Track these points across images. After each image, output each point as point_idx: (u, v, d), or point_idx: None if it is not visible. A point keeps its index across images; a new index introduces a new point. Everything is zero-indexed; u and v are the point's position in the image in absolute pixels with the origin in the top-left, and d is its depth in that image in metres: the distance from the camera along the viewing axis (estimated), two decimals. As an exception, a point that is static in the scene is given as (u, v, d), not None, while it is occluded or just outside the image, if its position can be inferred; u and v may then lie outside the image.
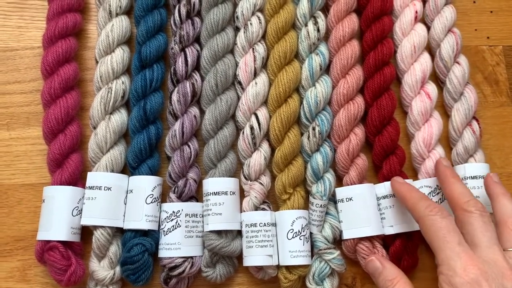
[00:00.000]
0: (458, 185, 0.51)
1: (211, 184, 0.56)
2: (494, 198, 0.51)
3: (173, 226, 0.55)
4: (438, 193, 0.57)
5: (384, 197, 0.56)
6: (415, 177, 0.59)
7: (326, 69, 0.61)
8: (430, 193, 0.57)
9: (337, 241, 0.57)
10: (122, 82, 0.58)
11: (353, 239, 0.55)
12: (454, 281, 0.43)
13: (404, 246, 0.55)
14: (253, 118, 0.58)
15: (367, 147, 0.61)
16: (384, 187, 0.56)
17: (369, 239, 0.56)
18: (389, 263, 0.51)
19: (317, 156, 0.57)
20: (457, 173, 0.54)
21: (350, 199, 0.56)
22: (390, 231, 0.56)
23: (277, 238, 0.55)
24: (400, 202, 0.54)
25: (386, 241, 0.57)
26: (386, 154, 0.58)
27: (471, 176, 0.58)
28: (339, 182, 0.59)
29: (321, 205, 0.55)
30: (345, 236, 0.56)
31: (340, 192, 0.57)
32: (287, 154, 0.56)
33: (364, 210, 0.55)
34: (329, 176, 0.57)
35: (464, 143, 0.59)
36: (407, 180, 0.56)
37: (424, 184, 0.57)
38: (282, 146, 0.57)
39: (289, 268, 0.55)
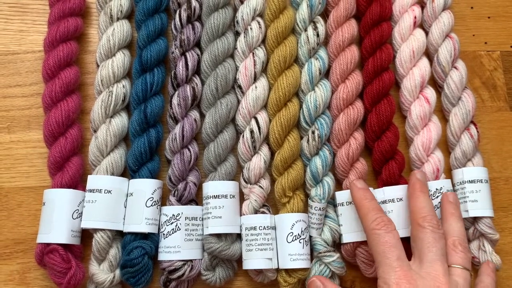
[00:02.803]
0: (422, 199, 0.52)
1: (211, 187, 0.56)
2: (444, 218, 0.54)
3: (172, 229, 0.55)
4: (437, 197, 0.57)
5: (384, 202, 0.56)
6: (414, 181, 0.59)
7: (326, 74, 0.61)
8: (429, 196, 0.57)
9: (337, 244, 0.57)
10: (123, 86, 0.59)
11: (353, 243, 0.56)
12: None
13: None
14: (253, 122, 0.58)
15: (366, 151, 0.61)
16: (383, 192, 0.57)
17: (368, 242, 0.56)
18: (330, 283, 0.52)
19: (316, 160, 0.57)
20: (426, 188, 0.54)
21: (350, 203, 0.56)
22: (389, 235, 0.56)
23: (277, 242, 0.56)
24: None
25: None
26: (385, 159, 0.58)
27: (469, 180, 0.58)
28: (339, 186, 0.59)
29: (319, 208, 0.55)
30: (345, 239, 0.56)
31: (340, 196, 0.57)
32: (287, 157, 0.57)
33: (364, 214, 0.56)
34: (328, 180, 0.57)
35: (462, 147, 0.59)
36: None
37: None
38: (281, 149, 0.57)
39: (288, 271, 0.55)
